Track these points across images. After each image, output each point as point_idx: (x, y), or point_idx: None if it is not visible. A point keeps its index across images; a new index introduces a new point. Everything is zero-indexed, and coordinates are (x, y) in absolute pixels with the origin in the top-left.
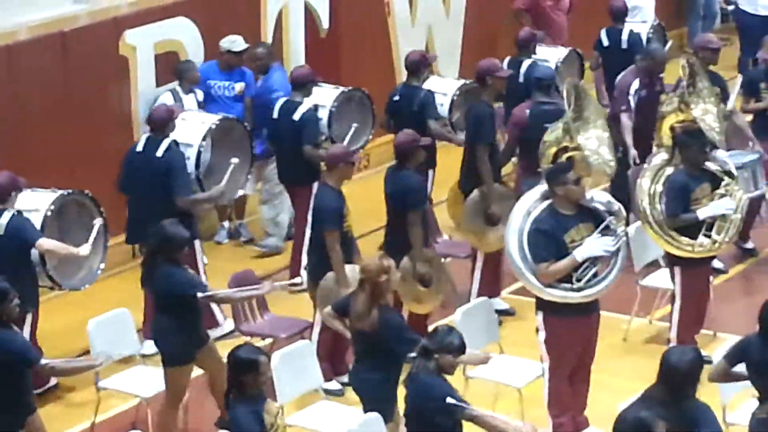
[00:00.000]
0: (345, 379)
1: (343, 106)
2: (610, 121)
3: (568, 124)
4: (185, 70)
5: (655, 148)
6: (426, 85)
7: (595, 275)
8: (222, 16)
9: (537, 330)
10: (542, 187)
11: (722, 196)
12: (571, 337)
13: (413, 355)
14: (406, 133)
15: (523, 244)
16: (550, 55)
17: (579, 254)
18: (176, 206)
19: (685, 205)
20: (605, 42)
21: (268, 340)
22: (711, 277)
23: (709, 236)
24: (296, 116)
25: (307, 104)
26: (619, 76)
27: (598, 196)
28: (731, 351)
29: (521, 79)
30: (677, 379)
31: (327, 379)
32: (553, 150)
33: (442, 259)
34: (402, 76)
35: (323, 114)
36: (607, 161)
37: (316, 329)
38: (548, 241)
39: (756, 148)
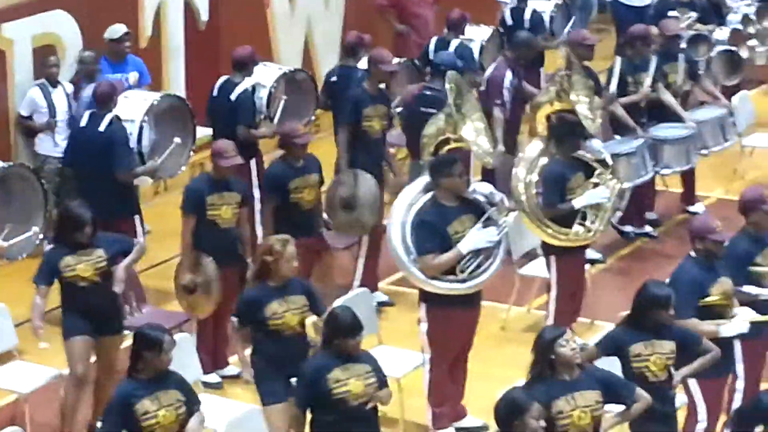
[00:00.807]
0: (225, 372)
1: (284, 86)
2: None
3: (451, 116)
4: (88, 62)
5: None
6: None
7: (478, 266)
8: (100, 9)
9: (419, 321)
10: (424, 178)
11: (596, 185)
12: (453, 328)
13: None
14: (288, 125)
15: (407, 237)
16: (475, 35)
17: (463, 246)
18: (118, 180)
19: (562, 194)
20: (509, 21)
21: None
22: (586, 266)
23: (583, 225)
24: (233, 96)
25: (245, 84)
26: (490, 69)
27: (480, 187)
28: (604, 340)
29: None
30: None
31: (206, 372)
32: (434, 142)
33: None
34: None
35: (264, 93)
36: (487, 151)
37: (195, 322)
38: (432, 233)
39: (640, 133)
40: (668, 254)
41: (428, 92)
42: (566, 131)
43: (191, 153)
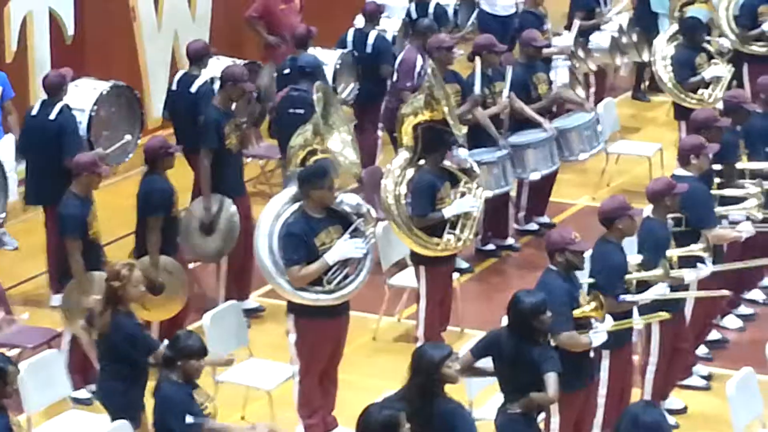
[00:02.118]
0: (95, 387)
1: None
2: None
3: (318, 126)
4: None
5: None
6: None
7: (345, 277)
8: None
9: (287, 332)
10: (291, 189)
11: (463, 194)
12: (322, 338)
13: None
14: (157, 138)
15: (274, 248)
16: (387, 27)
17: (330, 257)
18: (66, 168)
19: (432, 204)
20: (414, 14)
21: (16, 351)
22: (455, 275)
23: (454, 234)
24: (193, 89)
25: (204, 77)
26: (401, 54)
27: (347, 198)
28: (478, 344)
29: (369, 50)
30: (427, 375)
31: (77, 388)
32: (302, 153)
33: (190, 265)
34: (149, 80)
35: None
36: (353, 162)
37: (66, 338)
38: (299, 245)
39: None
40: (531, 262)
41: (295, 93)
42: (434, 141)
43: (138, 142)
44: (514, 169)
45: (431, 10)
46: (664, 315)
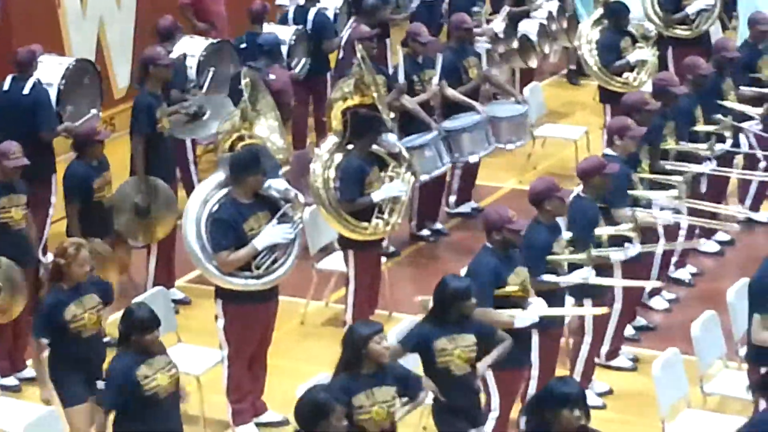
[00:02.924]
0: (24, 374)
1: (212, 56)
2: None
3: (245, 112)
4: None
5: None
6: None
7: (274, 262)
8: None
9: (216, 318)
10: (218, 175)
11: (392, 178)
12: (250, 323)
13: None
14: (87, 125)
15: (202, 234)
16: (328, 3)
17: (258, 243)
18: (41, 141)
19: (361, 188)
20: None
21: None
22: (383, 259)
23: (382, 218)
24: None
25: (174, 53)
26: (346, 32)
27: (275, 183)
28: (408, 337)
29: (309, 26)
30: (355, 350)
31: (4, 375)
32: (230, 139)
33: None
34: None
35: (192, 62)
36: (281, 148)
37: None
38: (227, 230)
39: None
40: (460, 245)
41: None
42: (363, 126)
43: (100, 115)
44: (452, 153)
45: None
46: (604, 309)
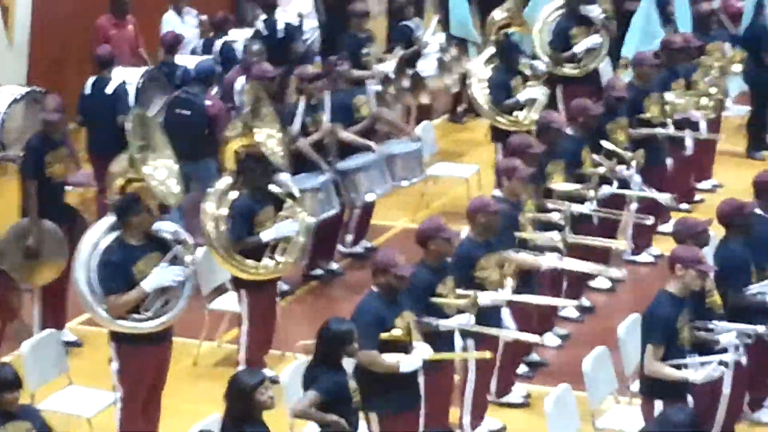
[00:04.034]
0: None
1: (149, 83)
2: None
3: (132, 156)
4: None
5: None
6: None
7: (165, 303)
8: None
9: (110, 360)
10: (109, 219)
11: (286, 218)
12: (144, 365)
13: None
14: None
15: (92, 277)
16: (237, 36)
17: (147, 284)
18: None
19: (250, 228)
20: (264, 32)
21: None
22: (277, 298)
23: (273, 258)
24: (109, 90)
25: (116, 79)
26: (229, 73)
27: (165, 225)
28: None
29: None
30: (241, 402)
31: None
32: (121, 181)
33: None
34: None
35: (131, 90)
36: (173, 192)
37: None
38: (117, 273)
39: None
40: (353, 284)
41: (183, 95)
42: (255, 165)
43: None
44: (348, 193)
45: (281, 26)
46: (486, 354)
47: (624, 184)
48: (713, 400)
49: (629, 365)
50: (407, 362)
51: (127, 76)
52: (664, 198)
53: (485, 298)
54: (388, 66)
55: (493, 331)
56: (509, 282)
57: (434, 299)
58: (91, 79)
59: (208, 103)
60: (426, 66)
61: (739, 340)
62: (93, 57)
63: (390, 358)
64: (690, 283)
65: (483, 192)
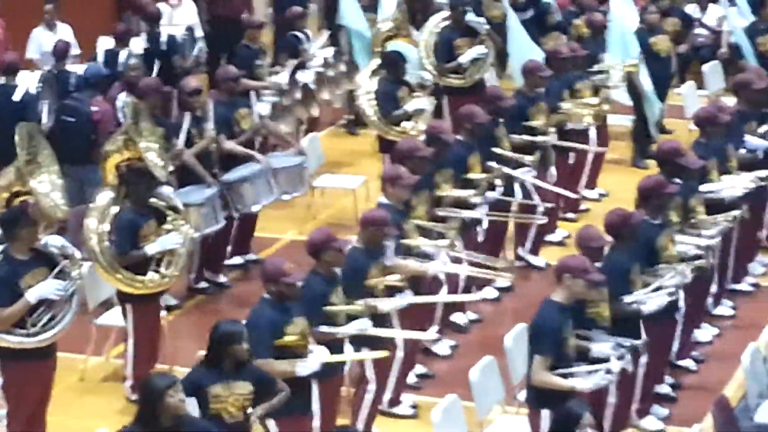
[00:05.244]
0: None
1: (46, 87)
2: None
3: (20, 169)
4: None
5: None
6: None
7: (52, 318)
8: None
9: None
10: None
11: (169, 231)
12: (30, 381)
13: None
14: None
15: None
16: (135, 47)
17: (30, 296)
18: None
19: (133, 242)
20: (147, 45)
21: None
22: (163, 312)
23: (158, 271)
24: (16, 97)
25: (23, 86)
26: (112, 88)
27: (52, 240)
28: (183, 382)
29: (120, 68)
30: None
31: None
32: (5, 195)
33: None
34: None
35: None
36: (59, 205)
37: None
38: (2, 288)
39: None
40: (240, 297)
41: (71, 102)
42: (136, 179)
43: None
44: (234, 204)
45: (164, 38)
46: (384, 353)
47: (507, 191)
48: (599, 408)
49: (516, 374)
50: (304, 365)
51: (30, 83)
52: (545, 205)
53: (384, 304)
54: (282, 77)
55: (390, 332)
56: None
57: (328, 308)
58: None
59: (94, 109)
60: (305, 78)
61: (614, 352)
62: None
63: (285, 364)
64: (577, 293)
65: (370, 203)
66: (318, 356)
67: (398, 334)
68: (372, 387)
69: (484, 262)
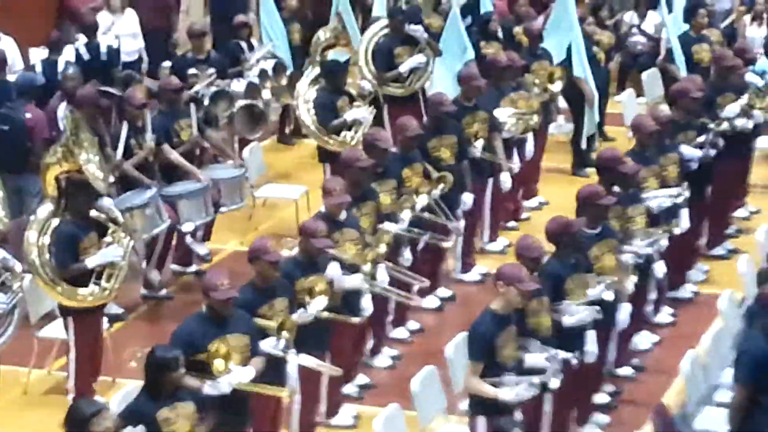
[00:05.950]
0: None
1: None
2: None
3: None
4: None
5: None
6: None
7: None
8: None
9: None
10: None
11: (110, 243)
12: None
13: None
14: None
15: None
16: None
17: None
18: None
19: (74, 254)
20: (85, 56)
21: None
22: (106, 324)
23: (98, 284)
24: None
25: None
26: (52, 99)
27: None
28: (126, 412)
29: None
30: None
31: None
32: None
33: None
34: None
35: None
36: (0, 217)
37: None
38: None
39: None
40: (185, 308)
41: (4, 111)
42: (76, 191)
43: None
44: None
45: (104, 49)
46: (284, 391)
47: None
48: (536, 417)
49: (458, 384)
50: (211, 386)
51: None
52: (453, 225)
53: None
54: (239, 86)
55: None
56: (320, 299)
57: (258, 321)
58: None
59: (27, 115)
60: (236, 87)
61: (549, 363)
62: None
63: (193, 380)
64: (512, 301)
65: (311, 213)
66: (231, 378)
67: (309, 363)
68: (298, 398)
69: (405, 278)
